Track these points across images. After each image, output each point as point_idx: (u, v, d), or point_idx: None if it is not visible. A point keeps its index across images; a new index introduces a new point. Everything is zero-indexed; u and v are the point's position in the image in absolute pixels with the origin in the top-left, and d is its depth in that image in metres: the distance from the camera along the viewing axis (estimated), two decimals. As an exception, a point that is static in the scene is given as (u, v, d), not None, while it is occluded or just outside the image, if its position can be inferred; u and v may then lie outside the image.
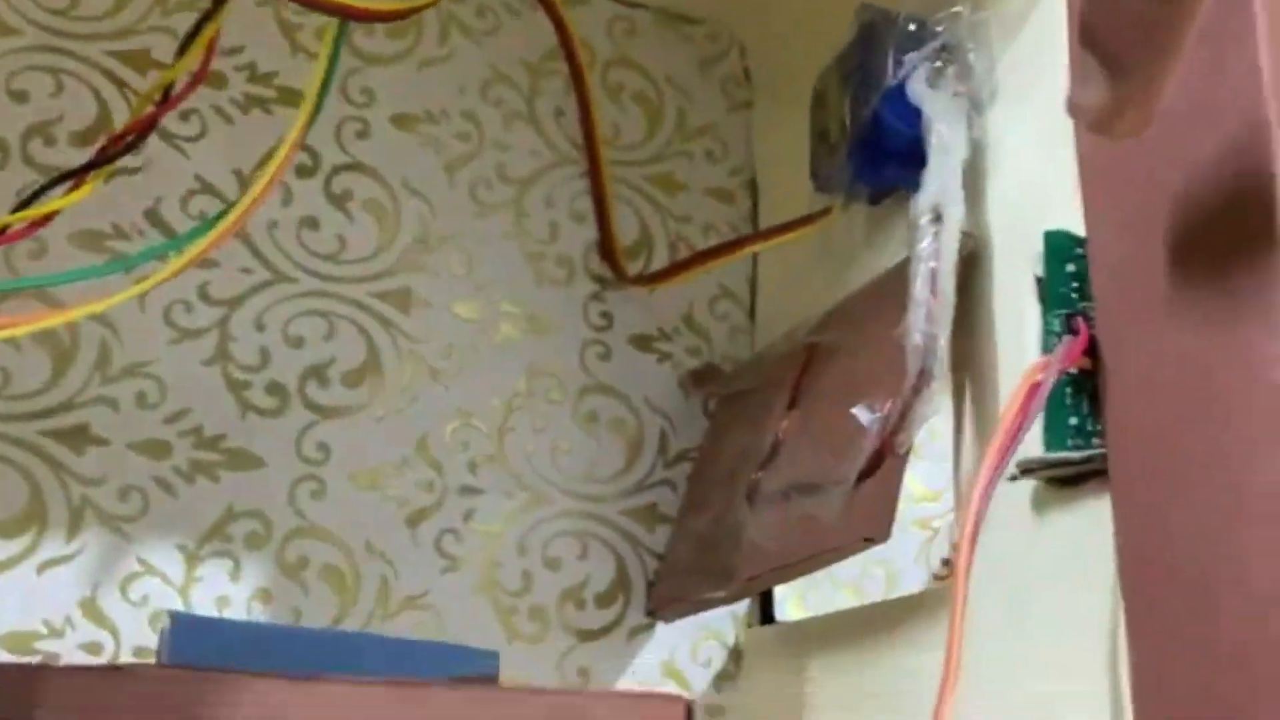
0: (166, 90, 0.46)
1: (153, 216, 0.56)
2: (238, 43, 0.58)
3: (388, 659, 0.37)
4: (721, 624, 0.61)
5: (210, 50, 0.44)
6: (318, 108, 0.45)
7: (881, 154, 0.50)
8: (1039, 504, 0.43)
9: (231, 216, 0.45)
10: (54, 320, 0.47)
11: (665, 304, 0.64)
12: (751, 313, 0.65)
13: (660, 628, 0.60)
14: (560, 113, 0.64)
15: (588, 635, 0.58)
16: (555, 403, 0.60)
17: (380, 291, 0.59)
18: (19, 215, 0.43)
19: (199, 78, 0.46)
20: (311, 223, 0.59)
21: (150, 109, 0.47)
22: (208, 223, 0.46)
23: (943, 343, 0.43)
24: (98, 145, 0.48)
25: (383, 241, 0.59)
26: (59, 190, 0.46)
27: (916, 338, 0.43)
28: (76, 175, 0.44)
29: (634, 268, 0.63)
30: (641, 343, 0.63)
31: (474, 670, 0.38)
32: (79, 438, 0.53)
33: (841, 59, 0.53)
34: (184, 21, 0.49)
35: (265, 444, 0.56)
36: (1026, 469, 0.41)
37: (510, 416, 0.59)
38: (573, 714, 0.33)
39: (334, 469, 0.56)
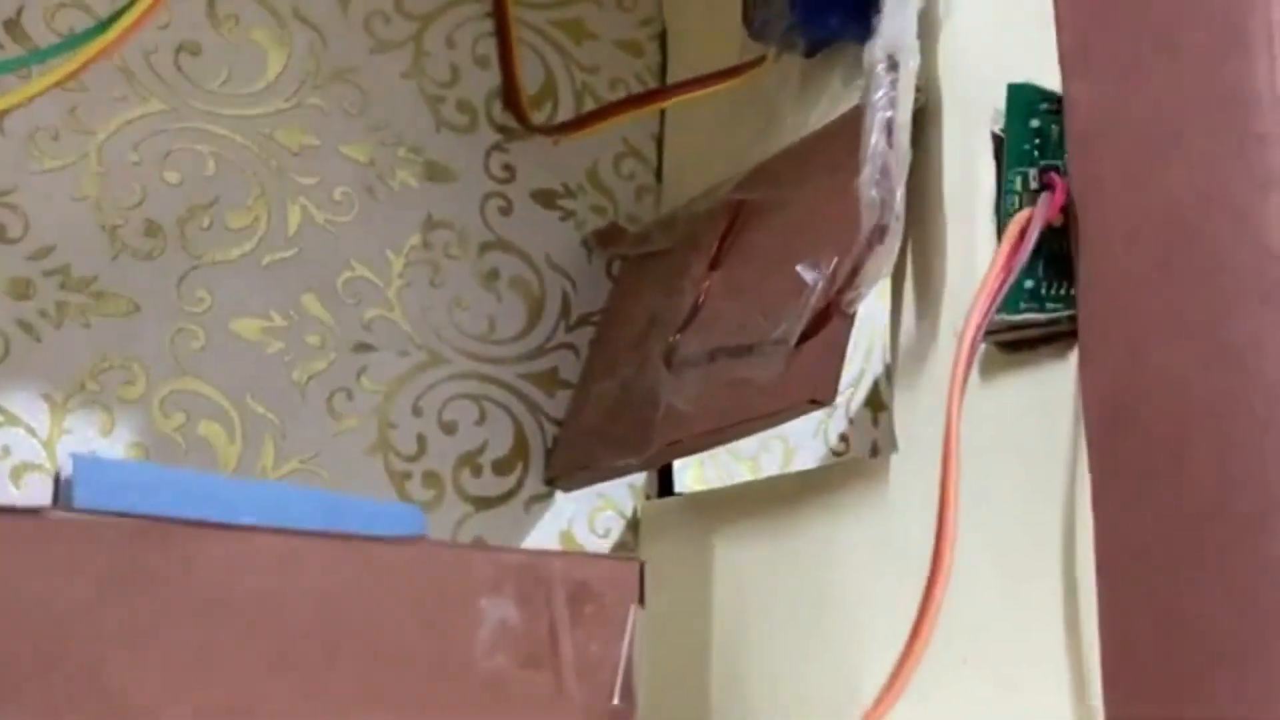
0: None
1: (13, 29, 0.50)
2: None
3: (308, 511, 0.34)
4: (619, 494, 0.59)
5: None
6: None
7: (826, 1, 0.48)
8: (986, 370, 0.41)
9: (109, 35, 0.40)
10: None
11: (569, 159, 0.60)
12: (658, 173, 0.62)
13: (558, 497, 0.58)
14: (463, -57, 0.59)
15: (484, 503, 0.56)
16: (454, 258, 0.57)
17: (268, 127, 0.54)
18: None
19: None
20: (193, 48, 0.53)
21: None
22: (78, 37, 0.41)
23: (900, 196, 0.41)
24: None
25: (271, 73, 0.54)
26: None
27: (873, 192, 0.41)
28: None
29: (537, 118, 0.60)
30: (544, 198, 0.59)
31: (401, 528, 0.34)
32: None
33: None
34: None
35: (141, 289, 0.51)
36: (986, 331, 0.39)
37: (406, 270, 0.56)
38: (528, 574, 0.31)
39: (215, 319, 0.52)
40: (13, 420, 0.48)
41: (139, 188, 0.51)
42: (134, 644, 0.28)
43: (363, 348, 0.54)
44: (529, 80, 0.60)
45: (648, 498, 0.59)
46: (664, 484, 0.59)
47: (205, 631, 0.29)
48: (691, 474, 0.60)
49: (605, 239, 0.60)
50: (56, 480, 0.32)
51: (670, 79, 0.63)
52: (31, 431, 0.48)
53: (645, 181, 0.62)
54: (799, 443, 0.59)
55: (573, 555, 0.36)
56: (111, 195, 0.51)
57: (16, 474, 0.47)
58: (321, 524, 0.32)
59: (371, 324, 0.55)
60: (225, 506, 0.30)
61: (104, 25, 0.40)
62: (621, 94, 0.61)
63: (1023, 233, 0.35)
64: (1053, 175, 0.38)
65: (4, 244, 0.49)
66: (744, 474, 0.58)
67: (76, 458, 0.30)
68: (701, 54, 0.62)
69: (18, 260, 0.49)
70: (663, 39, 0.64)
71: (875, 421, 0.57)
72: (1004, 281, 0.34)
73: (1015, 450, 0.40)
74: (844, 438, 0.59)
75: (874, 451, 0.57)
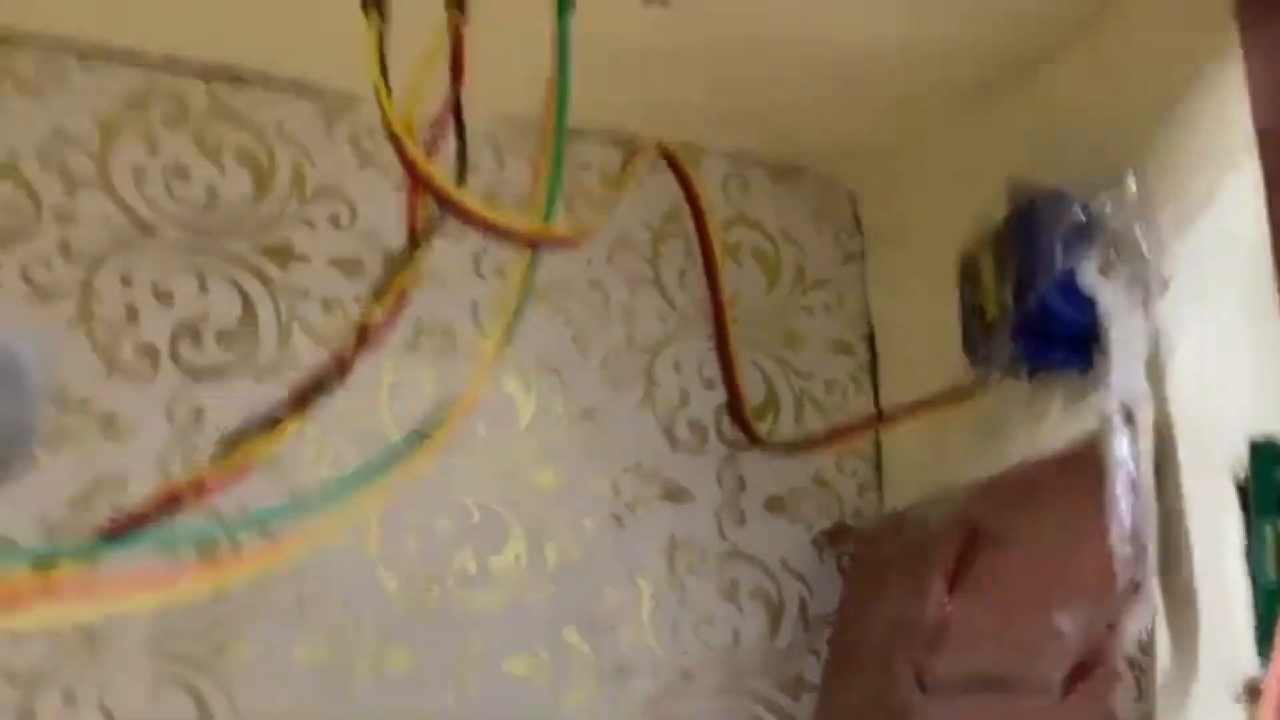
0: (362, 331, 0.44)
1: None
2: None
3: None
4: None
5: (401, 300, 0.43)
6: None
7: (1050, 339, 0.50)
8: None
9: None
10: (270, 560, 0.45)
11: (793, 464, 0.63)
12: (877, 466, 0.65)
13: (811, 805, 0.59)
14: (683, 273, 0.63)
15: (747, 818, 0.58)
16: (697, 574, 0.60)
17: (523, 470, 0.58)
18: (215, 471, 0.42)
19: (391, 322, 0.44)
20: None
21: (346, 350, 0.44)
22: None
23: (1151, 552, 0.43)
24: (295, 391, 0.46)
25: (523, 420, 0.59)
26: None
27: (1126, 549, 0.43)
28: (276, 420, 0.42)
29: (761, 428, 0.63)
30: (774, 505, 0.62)
31: None
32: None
33: (996, 236, 0.52)
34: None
35: (415, 649, 0.55)
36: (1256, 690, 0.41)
37: (655, 590, 0.59)
38: None
39: (488, 660, 0.55)
40: None
41: (413, 543, 0.56)
42: None
43: (623, 671, 0.57)
44: (750, 392, 0.63)
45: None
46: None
47: None
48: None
49: (834, 538, 0.63)
50: None
51: (880, 374, 0.66)
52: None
53: (867, 478, 0.64)
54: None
55: None
56: (388, 553, 0.55)
57: None
58: None
59: (627, 650, 0.58)
60: None
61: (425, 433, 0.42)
62: (837, 395, 0.65)
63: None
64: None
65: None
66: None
67: None
68: (910, 350, 0.65)
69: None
70: (871, 338, 0.67)
71: None
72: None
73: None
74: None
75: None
